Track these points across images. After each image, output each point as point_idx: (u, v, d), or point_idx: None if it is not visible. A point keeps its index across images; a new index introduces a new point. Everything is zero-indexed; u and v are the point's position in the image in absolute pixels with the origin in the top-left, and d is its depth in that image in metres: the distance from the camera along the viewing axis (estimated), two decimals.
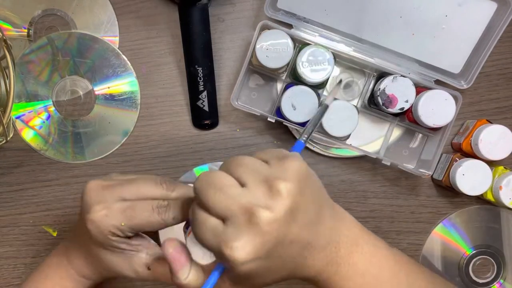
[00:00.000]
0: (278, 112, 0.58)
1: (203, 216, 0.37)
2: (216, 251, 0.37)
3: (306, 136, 0.46)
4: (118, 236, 0.44)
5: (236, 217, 0.35)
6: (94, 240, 0.44)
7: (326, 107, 0.50)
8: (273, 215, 0.35)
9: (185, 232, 0.42)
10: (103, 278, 0.50)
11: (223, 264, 0.38)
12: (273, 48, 0.55)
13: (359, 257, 0.41)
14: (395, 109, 0.56)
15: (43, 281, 0.50)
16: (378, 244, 0.43)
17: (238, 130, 0.63)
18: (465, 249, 0.63)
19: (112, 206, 0.43)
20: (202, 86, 0.60)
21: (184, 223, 0.43)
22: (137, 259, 0.46)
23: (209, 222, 0.36)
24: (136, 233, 0.45)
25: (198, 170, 0.62)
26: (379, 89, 0.55)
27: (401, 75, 0.55)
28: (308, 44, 0.56)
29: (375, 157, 0.59)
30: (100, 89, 0.62)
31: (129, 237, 0.45)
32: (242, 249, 0.35)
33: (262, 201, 0.35)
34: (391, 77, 0.55)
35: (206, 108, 0.61)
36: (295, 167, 0.37)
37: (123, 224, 0.43)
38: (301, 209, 0.37)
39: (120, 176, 0.47)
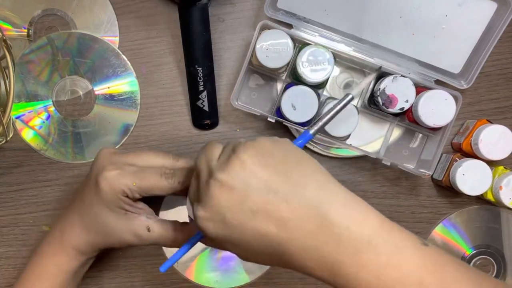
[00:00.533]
0: (278, 112, 0.58)
1: (193, 180, 0.42)
2: (194, 209, 0.40)
3: (315, 128, 0.44)
4: (127, 196, 0.48)
5: (202, 177, 0.40)
6: (104, 199, 0.47)
7: (351, 98, 0.45)
8: (224, 175, 0.37)
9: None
10: (98, 250, 0.51)
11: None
12: (273, 48, 0.55)
13: (370, 258, 0.36)
14: (395, 109, 0.56)
15: (37, 260, 0.52)
16: (403, 244, 0.37)
17: (238, 130, 0.63)
18: (465, 249, 0.63)
19: (124, 168, 0.48)
20: (202, 86, 0.60)
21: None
22: (138, 221, 0.49)
23: (194, 184, 0.41)
24: (141, 198, 0.48)
25: None
26: (379, 89, 0.55)
27: (401, 75, 0.55)
28: (308, 44, 0.56)
29: (375, 157, 0.59)
30: (100, 89, 0.62)
31: (135, 200, 0.48)
32: (200, 208, 0.39)
33: (220, 165, 0.38)
34: (391, 77, 0.55)
35: (206, 108, 0.61)
36: (260, 142, 0.39)
37: (134, 184, 0.47)
38: (262, 181, 0.37)
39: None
